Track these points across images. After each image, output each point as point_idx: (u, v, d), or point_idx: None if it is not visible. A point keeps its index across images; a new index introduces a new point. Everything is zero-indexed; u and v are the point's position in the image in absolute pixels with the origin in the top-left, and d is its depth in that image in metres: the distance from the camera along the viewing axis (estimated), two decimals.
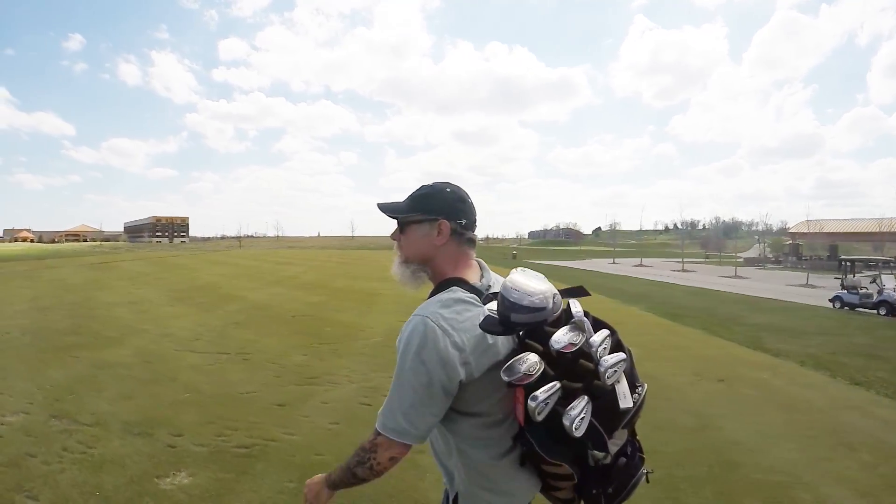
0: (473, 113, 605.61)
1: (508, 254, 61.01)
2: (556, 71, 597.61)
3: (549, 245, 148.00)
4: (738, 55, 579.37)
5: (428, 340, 1.10)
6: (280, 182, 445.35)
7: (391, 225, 1.36)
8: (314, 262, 34.75)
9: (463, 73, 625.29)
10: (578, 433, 1.03)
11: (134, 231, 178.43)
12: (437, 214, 1.26)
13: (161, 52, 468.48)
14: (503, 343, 1.18)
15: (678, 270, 38.82)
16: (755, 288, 23.19)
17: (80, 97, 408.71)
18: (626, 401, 1.09)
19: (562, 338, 1.06)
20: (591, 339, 1.09)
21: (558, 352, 1.05)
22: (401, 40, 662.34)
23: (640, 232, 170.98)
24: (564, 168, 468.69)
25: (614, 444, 1.13)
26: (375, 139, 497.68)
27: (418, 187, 1.33)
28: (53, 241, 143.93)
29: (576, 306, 1.15)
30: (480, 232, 1.49)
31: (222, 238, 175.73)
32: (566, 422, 1.02)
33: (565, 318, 1.14)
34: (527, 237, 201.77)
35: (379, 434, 1.15)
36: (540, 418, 1.04)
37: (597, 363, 1.07)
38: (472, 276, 1.28)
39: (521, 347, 1.14)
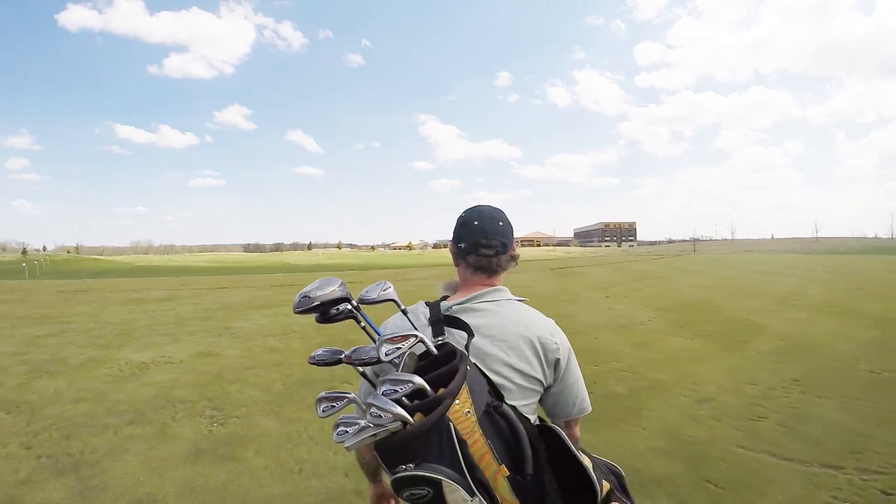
0: None
1: None
2: None
3: None
4: None
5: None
6: (723, 181, 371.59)
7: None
8: (796, 270, 24.28)
9: None
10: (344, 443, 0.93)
11: (584, 236, 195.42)
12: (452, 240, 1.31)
13: (581, 70, 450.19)
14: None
15: None
16: None
17: (519, 123, 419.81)
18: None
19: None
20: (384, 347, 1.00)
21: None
22: None
23: None
24: None
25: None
26: (819, 122, 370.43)
27: None
28: None
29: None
30: None
31: (669, 242, 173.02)
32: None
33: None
34: None
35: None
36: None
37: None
38: (458, 298, 1.23)
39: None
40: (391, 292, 1.14)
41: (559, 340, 1.21)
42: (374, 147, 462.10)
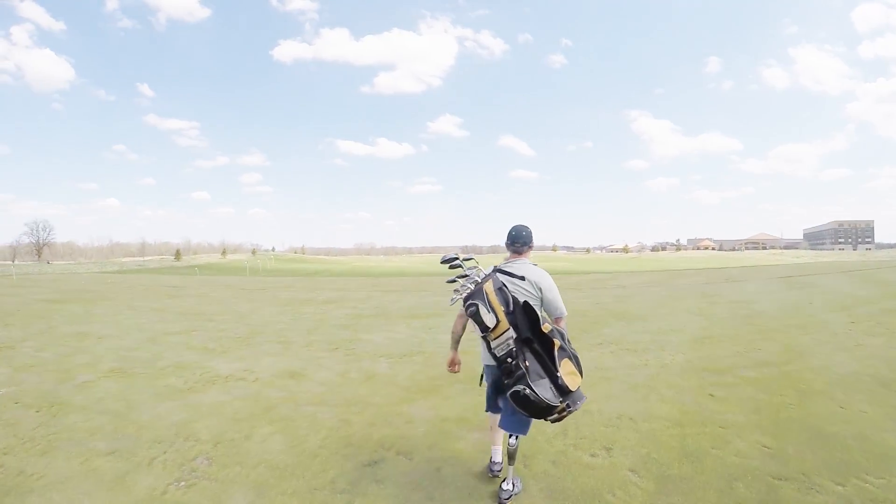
0: None
1: None
2: None
3: None
4: None
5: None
6: None
7: None
8: None
9: None
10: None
11: (814, 238, 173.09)
12: None
13: (796, 46, 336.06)
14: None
15: None
16: None
17: (735, 112, 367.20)
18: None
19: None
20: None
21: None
22: None
23: None
24: None
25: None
26: None
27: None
28: (733, 250, 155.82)
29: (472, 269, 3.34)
30: None
31: None
32: None
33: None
34: None
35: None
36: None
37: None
38: (505, 262, 3.25)
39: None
40: (472, 257, 3.35)
41: (541, 279, 3.15)
42: (586, 147, 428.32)
